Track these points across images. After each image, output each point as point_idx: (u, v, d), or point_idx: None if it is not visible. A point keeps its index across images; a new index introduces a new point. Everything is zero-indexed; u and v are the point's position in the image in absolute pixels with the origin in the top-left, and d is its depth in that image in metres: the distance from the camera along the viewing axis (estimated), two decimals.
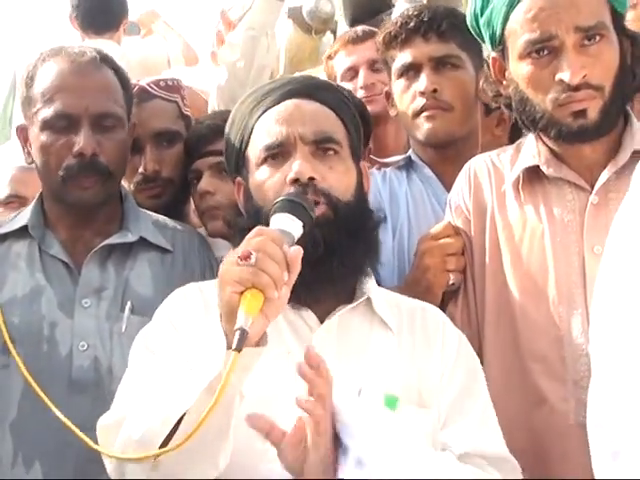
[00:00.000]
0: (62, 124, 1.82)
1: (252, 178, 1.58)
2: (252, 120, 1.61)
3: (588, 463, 1.23)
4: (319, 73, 2.81)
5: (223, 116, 1.97)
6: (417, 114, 2.03)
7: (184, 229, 2.04)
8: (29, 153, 1.91)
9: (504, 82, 1.74)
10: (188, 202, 2.29)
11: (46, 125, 1.83)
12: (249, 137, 1.60)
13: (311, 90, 1.62)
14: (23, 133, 1.92)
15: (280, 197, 1.43)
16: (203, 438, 1.23)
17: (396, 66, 2.08)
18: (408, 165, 2.13)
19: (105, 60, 1.91)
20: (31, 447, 1.74)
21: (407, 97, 2.06)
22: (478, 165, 1.83)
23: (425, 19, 2.03)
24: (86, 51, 1.89)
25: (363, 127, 1.70)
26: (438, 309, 1.65)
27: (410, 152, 2.14)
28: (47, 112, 1.82)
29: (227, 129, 1.69)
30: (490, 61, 1.78)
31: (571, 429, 1.56)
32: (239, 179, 1.65)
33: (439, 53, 2.03)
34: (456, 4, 2.81)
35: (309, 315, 1.52)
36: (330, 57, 2.71)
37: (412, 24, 2.04)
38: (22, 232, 1.90)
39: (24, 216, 1.93)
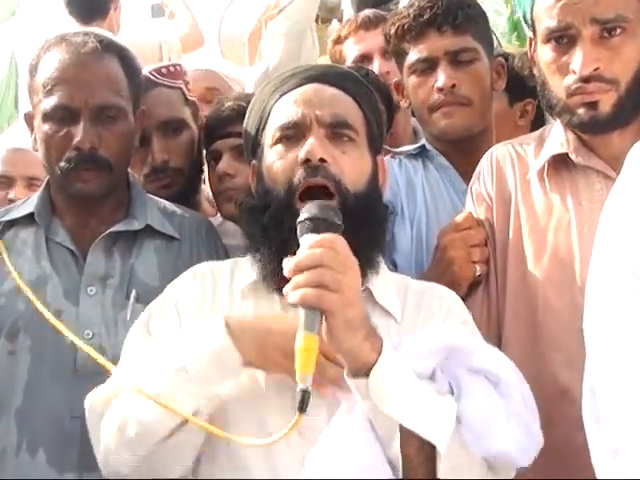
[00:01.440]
0: (62, 116, 1.81)
1: (265, 158, 1.56)
2: (271, 103, 1.59)
3: None
4: (326, 62, 2.76)
5: (246, 98, 1.94)
6: (434, 110, 1.98)
7: (192, 216, 2.02)
8: (35, 140, 1.89)
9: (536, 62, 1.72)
10: (199, 192, 2.26)
11: (46, 117, 1.82)
12: (267, 119, 1.58)
13: (333, 77, 1.60)
14: (30, 121, 1.91)
15: (302, 216, 1.32)
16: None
17: (410, 60, 2.01)
18: (422, 154, 2.09)
19: (108, 48, 1.88)
20: (36, 434, 1.74)
21: (423, 92, 1.99)
22: (500, 153, 1.81)
23: (439, 11, 1.96)
24: (88, 40, 1.86)
25: (387, 112, 1.65)
26: (449, 290, 1.60)
27: (423, 141, 2.10)
28: (47, 104, 1.81)
29: (247, 114, 1.66)
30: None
31: None
32: (254, 162, 1.62)
33: (456, 47, 1.96)
34: None
35: None
36: (338, 41, 2.62)
37: (426, 16, 1.96)
38: (29, 219, 1.89)
39: (31, 203, 1.92)
